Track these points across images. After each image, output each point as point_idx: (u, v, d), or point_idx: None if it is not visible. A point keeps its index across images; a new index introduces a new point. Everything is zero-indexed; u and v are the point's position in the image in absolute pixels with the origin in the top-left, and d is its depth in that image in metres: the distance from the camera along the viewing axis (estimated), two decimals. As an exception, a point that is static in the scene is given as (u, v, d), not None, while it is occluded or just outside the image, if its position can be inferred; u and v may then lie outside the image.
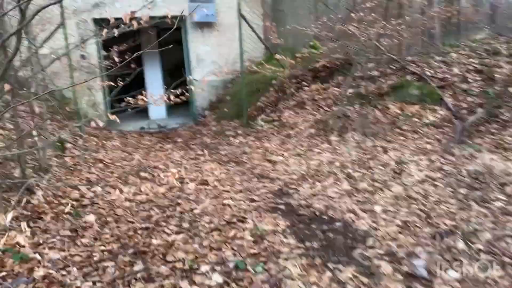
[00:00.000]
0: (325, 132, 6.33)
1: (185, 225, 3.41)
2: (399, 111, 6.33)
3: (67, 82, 8.04)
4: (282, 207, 3.82)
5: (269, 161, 5.42)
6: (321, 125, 6.50)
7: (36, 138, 4.36)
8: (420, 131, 5.78)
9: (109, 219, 3.46)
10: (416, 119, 6.05)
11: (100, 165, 5.12)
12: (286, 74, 7.27)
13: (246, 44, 8.72)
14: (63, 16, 6.04)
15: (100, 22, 8.22)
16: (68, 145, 5.75)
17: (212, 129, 7.70)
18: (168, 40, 3.42)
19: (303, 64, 7.77)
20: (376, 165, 4.78)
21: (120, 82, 5.52)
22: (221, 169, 5.15)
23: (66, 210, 3.46)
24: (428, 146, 5.25)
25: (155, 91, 10.63)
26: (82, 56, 8.00)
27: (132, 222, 3.42)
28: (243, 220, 3.50)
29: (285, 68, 7.42)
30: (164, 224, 3.43)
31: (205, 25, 8.75)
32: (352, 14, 5.94)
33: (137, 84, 11.56)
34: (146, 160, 5.69)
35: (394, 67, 7.14)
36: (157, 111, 10.29)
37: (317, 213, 3.64)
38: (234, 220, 3.48)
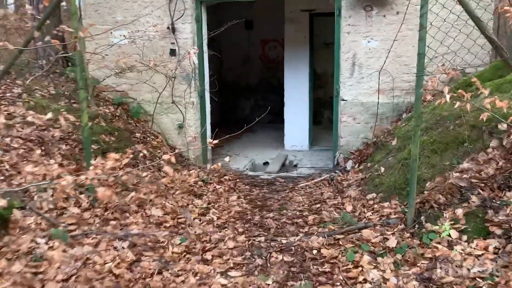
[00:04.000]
0: None
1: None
2: None
3: (149, 86, 5.46)
4: None
5: None
6: None
7: None
8: None
9: None
10: None
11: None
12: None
13: (450, 38, 4.41)
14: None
15: None
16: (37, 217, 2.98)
17: (345, 207, 3.77)
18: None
19: None
20: None
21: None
22: None
23: None
24: None
25: (296, 109, 6.71)
26: (172, 52, 5.27)
27: None
28: None
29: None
30: None
31: (372, 3, 4.79)
32: None
33: (277, 93, 7.99)
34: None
35: None
36: (296, 138, 6.91)
37: None
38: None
